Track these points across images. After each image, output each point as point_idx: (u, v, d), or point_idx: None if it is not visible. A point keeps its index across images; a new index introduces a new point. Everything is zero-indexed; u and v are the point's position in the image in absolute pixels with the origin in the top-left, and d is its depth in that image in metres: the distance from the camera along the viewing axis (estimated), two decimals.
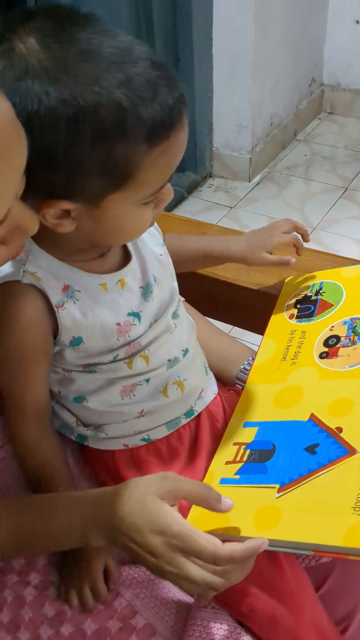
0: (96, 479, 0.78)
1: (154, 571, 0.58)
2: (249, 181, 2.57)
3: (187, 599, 0.71)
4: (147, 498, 0.56)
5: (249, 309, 0.97)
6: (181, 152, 0.60)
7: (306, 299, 0.85)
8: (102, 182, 0.56)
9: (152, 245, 0.74)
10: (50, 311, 0.64)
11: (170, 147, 0.57)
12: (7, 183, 0.48)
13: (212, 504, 0.57)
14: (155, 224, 0.76)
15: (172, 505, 0.57)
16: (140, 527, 0.55)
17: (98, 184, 0.56)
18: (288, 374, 0.74)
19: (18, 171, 0.49)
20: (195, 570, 0.55)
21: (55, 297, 0.64)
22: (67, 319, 0.65)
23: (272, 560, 0.67)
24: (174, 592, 0.72)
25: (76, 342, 0.67)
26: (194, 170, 2.56)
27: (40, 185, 0.55)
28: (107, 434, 0.74)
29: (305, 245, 0.89)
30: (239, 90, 2.38)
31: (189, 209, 2.41)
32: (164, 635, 0.67)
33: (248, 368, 0.83)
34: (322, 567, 0.76)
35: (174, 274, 0.77)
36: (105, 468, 0.76)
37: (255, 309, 0.95)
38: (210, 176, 2.63)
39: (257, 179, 2.60)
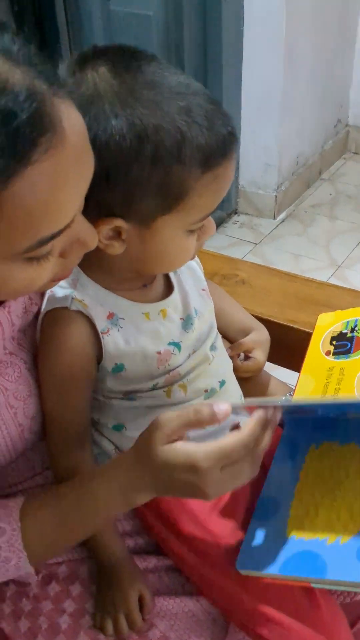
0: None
1: (212, 493, 0.59)
2: (274, 218, 2.60)
3: (220, 631, 0.71)
4: (160, 450, 0.59)
5: (282, 344, 0.98)
6: (228, 183, 0.63)
7: (341, 336, 0.86)
8: (156, 202, 0.60)
9: (194, 280, 0.77)
10: (96, 337, 0.67)
11: (221, 175, 0.61)
12: (77, 191, 0.51)
13: (207, 421, 0.59)
14: (198, 259, 0.79)
15: (180, 438, 0.60)
16: (175, 473, 0.58)
17: (152, 203, 0.59)
18: None
19: (86, 181, 0.52)
20: (246, 465, 0.59)
21: (100, 324, 0.66)
22: (111, 346, 0.67)
23: (308, 596, 0.67)
24: (207, 625, 0.71)
25: (118, 368, 0.68)
26: (220, 207, 2.58)
27: (97, 203, 0.57)
28: None
29: (332, 282, 0.91)
30: (267, 129, 2.43)
31: (214, 245, 2.45)
32: None
33: None
34: (357, 604, 0.75)
35: (213, 309, 0.79)
36: None
37: (287, 345, 0.96)
38: (236, 213, 2.67)
39: (282, 216, 2.63)
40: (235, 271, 1.06)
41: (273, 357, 1.05)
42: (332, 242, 2.45)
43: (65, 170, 0.48)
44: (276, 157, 2.47)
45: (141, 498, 0.63)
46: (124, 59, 0.59)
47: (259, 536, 0.66)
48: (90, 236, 0.56)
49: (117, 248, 0.63)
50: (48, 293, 0.68)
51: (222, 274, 1.04)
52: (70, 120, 0.48)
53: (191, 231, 0.64)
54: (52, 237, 0.50)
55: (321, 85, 2.62)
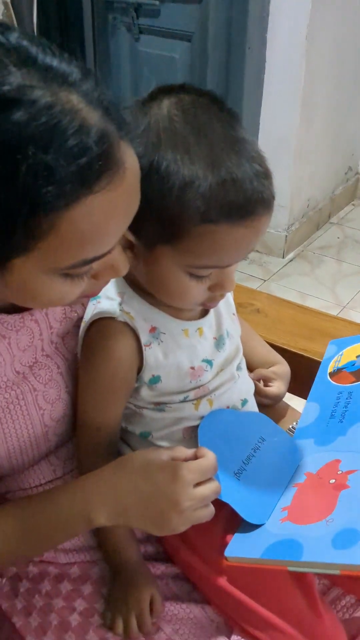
0: None
1: (172, 519, 0.64)
2: (283, 257, 2.68)
3: (220, 635, 0.74)
4: (144, 452, 0.66)
5: (293, 373, 1.02)
6: (233, 245, 0.63)
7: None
8: (157, 229, 0.63)
9: (226, 305, 0.82)
10: (139, 349, 0.71)
11: (221, 232, 0.61)
12: (124, 222, 0.56)
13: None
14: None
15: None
16: (144, 485, 0.63)
17: (154, 229, 0.63)
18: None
19: (131, 216, 0.57)
20: (204, 489, 0.64)
21: (144, 337, 0.70)
22: (151, 358, 0.71)
23: (311, 606, 0.70)
24: (211, 632, 0.74)
25: (155, 380, 0.73)
26: None
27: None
28: None
29: (339, 316, 0.95)
30: (281, 172, 2.52)
31: None
32: None
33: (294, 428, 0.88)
34: (355, 620, 0.78)
35: (240, 333, 0.84)
36: None
37: (298, 374, 1.00)
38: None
39: (291, 255, 2.70)
40: (251, 300, 1.11)
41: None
42: (338, 283, 2.51)
43: (118, 204, 0.53)
44: (288, 199, 2.56)
45: (101, 516, 0.65)
46: (189, 98, 0.63)
47: (250, 529, 0.70)
48: (123, 264, 0.61)
49: (127, 259, 0.65)
50: (93, 302, 0.72)
51: (239, 302, 1.08)
52: (131, 161, 0.54)
53: (193, 275, 0.65)
54: (93, 260, 0.56)
55: (334, 134, 2.72)
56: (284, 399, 0.94)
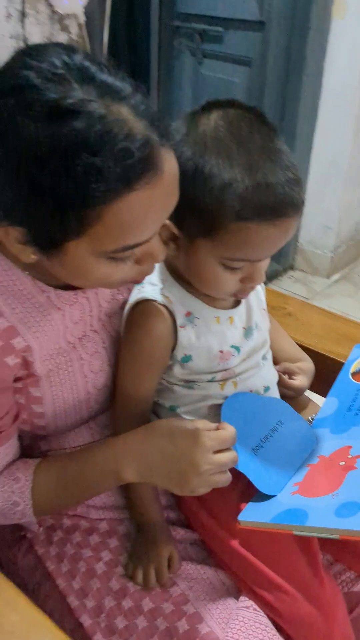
0: None
1: (191, 480, 0.71)
2: (328, 278, 2.73)
3: (231, 600, 0.81)
4: (170, 420, 0.74)
5: (317, 372, 1.09)
6: (265, 242, 0.71)
7: None
8: (197, 224, 0.71)
9: (258, 300, 0.90)
10: (174, 330, 0.80)
11: (253, 230, 0.69)
12: (160, 217, 0.66)
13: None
14: (263, 285, 0.92)
15: None
16: (169, 447, 0.72)
17: (195, 223, 0.71)
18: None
19: (168, 211, 0.66)
20: (223, 456, 0.72)
21: (179, 319, 0.80)
22: (184, 339, 0.80)
23: (314, 573, 0.77)
24: (222, 593, 0.82)
25: (186, 359, 0.81)
26: (277, 261, 2.76)
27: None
28: None
29: None
30: (330, 194, 2.59)
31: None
32: (209, 624, 0.77)
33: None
34: (354, 594, 0.84)
35: (269, 328, 0.92)
36: None
37: (322, 373, 1.07)
38: (292, 268, 2.81)
39: (335, 277, 2.76)
40: (284, 304, 1.19)
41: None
42: None
43: (155, 201, 0.63)
44: (336, 221, 2.62)
45: (129, 473, 0.75)
46: (234, 112, 0.71)
47: (263, 499, 0.78)
48: (161, 252, 0.70)
49: (171, 250, 0.76)
50: (137, 287, 0.82)
51: (272, 305, 1.16)
52: (169, 165, 0.63)
53: (227, 267, 0.73)
54: (134, 246, 0.65)
55: None
56: (306, 394, 1.01)
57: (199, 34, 2.58)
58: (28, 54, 0.61)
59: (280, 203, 0.69)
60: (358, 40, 2.28)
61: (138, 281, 0.75)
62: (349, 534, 0.67)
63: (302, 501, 0.75)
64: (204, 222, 0.71)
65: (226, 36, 2.50)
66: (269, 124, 0.73)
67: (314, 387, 1.13)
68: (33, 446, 0.88)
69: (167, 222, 0.73)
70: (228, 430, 0.75)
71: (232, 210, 0.69)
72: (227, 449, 0.74)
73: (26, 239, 0.65)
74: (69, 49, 0.62)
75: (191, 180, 0.68)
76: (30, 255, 0.67)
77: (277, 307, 1.17)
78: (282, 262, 2.77)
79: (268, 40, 2.36)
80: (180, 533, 0.87)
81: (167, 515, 0.89)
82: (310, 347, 1.09)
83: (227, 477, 0.74)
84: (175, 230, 0.74)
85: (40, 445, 0.88)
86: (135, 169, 0.59)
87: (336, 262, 2.74)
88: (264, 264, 0.78)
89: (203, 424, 0.75)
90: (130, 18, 3.05)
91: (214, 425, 0.75)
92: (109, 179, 0.58)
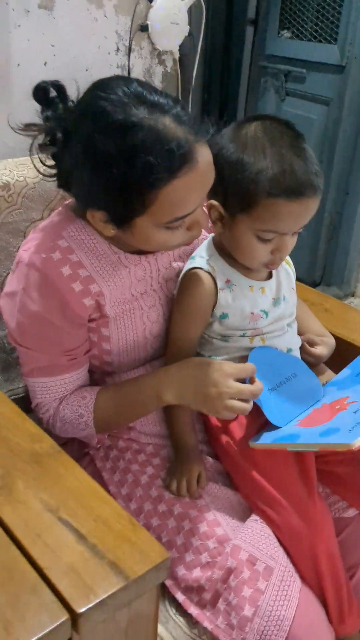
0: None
1: (215, 401, 0.92)
2: None
3: (245, 515, 1.00)
4: (199, 358, 0.97)
5: (343, 357, 1.26)
6: (291, 217, 0.92)
7: None
8: (237, 201, 0.93)
9: (288, 279, 1.11)
10: (215, 292, 1.02)
11: (282, 205, 0.91)
12: (200, 195, 0.89)
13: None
14: (293, 268, 1.13)
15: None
16: (198, 374, 0.93)
17: (236, 201, 0.94)
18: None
19: (206, 191, 0.90)
20: (243, 385, 0.92)
21: (220, 284, 1.02)
22: (223, 300, 1.02)
23: (309, 493, 0.95)
24: (237, 510, 1.01)
25: (223, 316, 1.03)
26: (339, 287, 2.92)
27: (214, 191, 0.93)
28: None
29: None
30: None
31: None
32: (224, 529, 0.97)
33: None
34: (343, 520, 1.02)
35: (296, 303, 1.13)
36: None
37: (348, 358, 1.23)
38: (353, 295, 2.96)
39: None
40: (322, 303, 1.38)
41: (332, 369, 1.33)
42: None
43: (194, 184, 0.86)
44: None
45: (168, 395, 0.96)
46: (271, 123, 0.94)
47: (271, 429, 0.98)
48: (204, 220, 0.94)
49: (218, 228, 0.98)
50: (190, 259, 1.05)
51: (312, 302, 1.36)
52: (203, 157, 0.86)
53: (261, 239, 0.94)
54: (182, 217, 0.89)
55: None
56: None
57: (284, 74, 2.83)
58: (99, 87, 0.86)
59: (302, 185, 0.90)
60: None
61: (188, 244, 0.98)
62: (324, 447, 0.88)
63: (299, 429, 0.94)
64: (243, 200, 0.93)
65: (308, 77, 2.74)
66: (297, 131, 0.96)
67: (337, 370, 1.30)
68: (101, 381, 1.11)
69: (215, 203, 0.96)
70: (248, 365, 0.95)
71: (264, 190, 0.91)
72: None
73: (106, 219, 0.91)
74: (126, 79, 0.88)
75: (234, 168, 0.92)
76: (111, 230, 0.92)
77: (315, 303, 1.36)
78: (344, 288, 2.92)
79: (346, 82, 2.58)
80: (209, 462, 1.07)
81: (201, 448, 1.09)
82: (338, 335, 1.27)
83: (245, 407, 0.93)
84: (221, 209, 0.97)
85: (106, 380, 1.11)
86: (177, 162, 0.83)
87: None
88: (291, 240, 0.98)
89: (228, 362, 0.96)
90: (225, 56, 3.35)
91: (238, 364, 0.96)
92: (160, 171, 0.83)
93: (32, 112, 0.90)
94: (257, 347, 1.04)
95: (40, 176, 1.01)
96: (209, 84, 3.01)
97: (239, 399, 0.93)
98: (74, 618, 0.68)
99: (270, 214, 0.93)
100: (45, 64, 1.57)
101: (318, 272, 2.95)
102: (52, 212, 1.07)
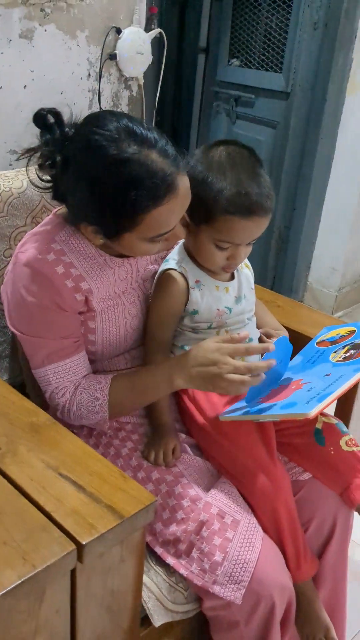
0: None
1: (215, 377, 1.03)
2: (332, 314, 3.09)
3: (213, 480, 1.15)
4: (199, 344, 1.07)
5: (295, 345, 1.43)
6: (241, 232, 1.09)
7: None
8: (199, 214, 1.10)
9: (247, 280, 1.28)
10: (187, 291, 1.18)
11: (232, 222, 1.07)
12: (179, 215, 1.05)
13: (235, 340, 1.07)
14: (252, 271, 1.30)
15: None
16: (200, 356, 1.05)
17: (198, 214, 1.10)
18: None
19: (183, 211, 1.06)
20: (238, 362, 1.03)
21: (191, 283, 1.18)
22: (193, 298, 1.18)
23: (270, 457, 1.11)
24: (207, 475, 1.16)
25: (194, 312, 1.19)
26: (288, 295, 3.13)
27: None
28: None
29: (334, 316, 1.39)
30: (338, 240, 2.98)
31: None
32: (196, 490, 1.11)
33: None
34: (298, 482, 1.18)
35: (254, 302, 1.30)
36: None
37: (299, 346, 1.41)
38: (301, 302, 3.18)
39: (339, 314, 3.11)
40: (275, 300, 1.56)
41: None
42: None
43: (175, 208, 1.02)
44: (342, 264, 3.00)
45: (179, 380, 1.09)
46: (235, 149, 1.11)
47: (239, 405, 1.13)
48: (181, 233, 1.10)
49: (184, 234, 1.12)
50: (164, 262, 1.21)
51: (267, 300, 1.54)
52: (183, 185, 1.02)
53: (219, 247, 1.10)
54: (165, 233, 1.05)
55: None
56: None
57: (235, 99, 3.04)
58: (92, 123, 1.00)
59: (254, 205, 1.08)
60: None
61: (167, 250, 1.15)
62: (285, 417, 1.03)
63: (262, 405, 1.11)
64: (205, 214, 1.10)
65: (257, 102, 2.96)
66: (257, 157, 1.13)
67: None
68: None
69: (184, 214, 1.13)
70: (240, 346, 1.06)
71: (222, 208, 1.08)
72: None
73: (97, 231, 1.05)
74: (116, 114, 1.02)
75: (199, 186, 1.09)
76: (99, 240, 1.07)
77: (269, 302, 1.54)
78: (293, 296, 3.13)
79: (291, 107, 2.81)
80: (182, 437, 1.22)
81: (177, 426, 1.24)
82: (290, 327, 1.45)
83: (243, 378, 1.02)
84: (187, 219, 1.13)
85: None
86: (162, 192, 0.99)
87: (340, 300, 3.09)
88: (245, 250, 1.15)
89: (227, 344, 1.06)
90: (178, 82, 3.57)
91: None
92: (147, 199, 0.98)
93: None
94: (282, 337, 1.18)
95: (28, 188, 1.15)
96: (163, 108, 3.21)
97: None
98: (80, 549, 0.81)
99: (227, 227, 1.09)
100: (25, 87, 1.71)
101: (268, 282, 3.15)
102: (35, 219, 1.22)
